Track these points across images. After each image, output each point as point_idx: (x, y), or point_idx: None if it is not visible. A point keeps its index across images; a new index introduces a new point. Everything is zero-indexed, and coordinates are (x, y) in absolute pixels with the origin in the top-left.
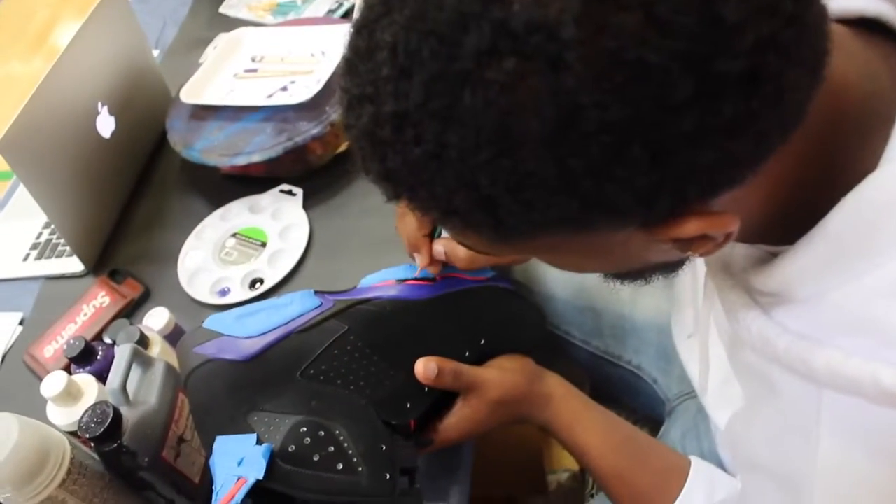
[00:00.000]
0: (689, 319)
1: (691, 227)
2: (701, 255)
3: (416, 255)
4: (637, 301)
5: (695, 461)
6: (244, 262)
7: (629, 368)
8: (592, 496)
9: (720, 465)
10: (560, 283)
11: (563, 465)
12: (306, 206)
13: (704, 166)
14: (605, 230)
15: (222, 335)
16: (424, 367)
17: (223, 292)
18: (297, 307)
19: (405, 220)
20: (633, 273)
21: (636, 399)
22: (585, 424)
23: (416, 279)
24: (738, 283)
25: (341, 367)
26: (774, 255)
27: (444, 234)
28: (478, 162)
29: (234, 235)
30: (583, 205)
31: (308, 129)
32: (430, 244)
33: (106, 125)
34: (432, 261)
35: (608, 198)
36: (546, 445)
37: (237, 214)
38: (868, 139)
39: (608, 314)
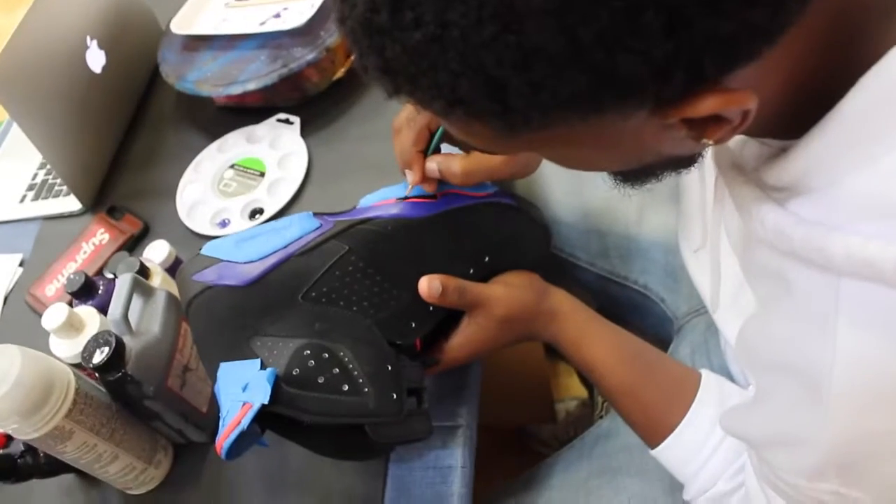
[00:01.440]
0: (696, 232)
1: (707, 105)
2: (716, 142)
3: (408, 172)
4: (643, 220)
5: (705, 373)
6: (243, 193)
7: (636, 289)
8: (601, 417)
9: (730, 378)
10: (564, 206)
11: (571, 393)
12: (304, 134)
13: (721, 37)
14: (617, 115)
15: (221, 261)
16: (428, 285)
17: (223, 224)
18: (296, 230)
19: (400, 136)
20: (644, 170)
21: (644, 319)
22: (593, 339)
23: (416, 197)
24: (751, 180)
25: (343, 288)
26: (786, 151)
27: (442, 149)
28: (482, 40)
29: (232, 167)
30: (594, 81)
31: (303, 56)
32: (422, 160)
33: (96, 60)
34: (425, 178)
35: (621, 72)
36: (553, 374)
37: (234, 145)
38: (891, 21)
39: (613, 235)
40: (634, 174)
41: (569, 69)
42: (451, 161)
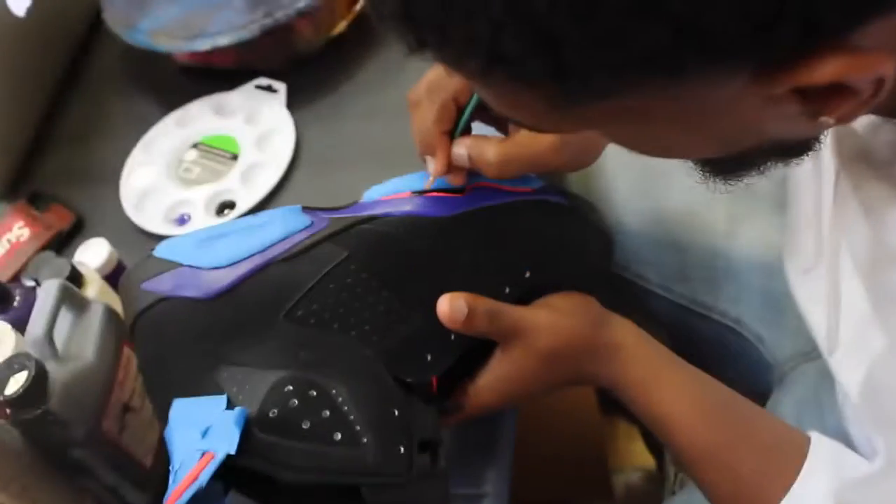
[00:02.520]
0: (808, 247)
1: (827, 70)
2: (838, 121)
3: (429, 159)
4: (736, 231)
5: (815, 436)
6: (209, 181)
7: (725, 323)
8: (674, 492)
9: (849, 444)
10: (631, 209)
11: (634, 462)
12: (291, 106)
13: None
14: (705, 82)
15: (180, 265)
16: (450, 306)
17: (182, 220)
18: (279, 228)
19: (419, 112)
20: (741, 159)
21: (734, 364)
22: (666, 385)
23: (438, 191)
24: (884, 176)
25: (339, 306)
26: None
27: (473, 130)
28: None
29: (195, 146)
30: (676, 36)
31: (292, 3)
32: (448, 143)
33: (19, 0)
34: (450, 166)
35: (710, 23)
36: (611, 435)
37: (199, 118)
38: None
39: (696, 250)
40: (728, 164)
41: (643, 19)
42: (484, 145)
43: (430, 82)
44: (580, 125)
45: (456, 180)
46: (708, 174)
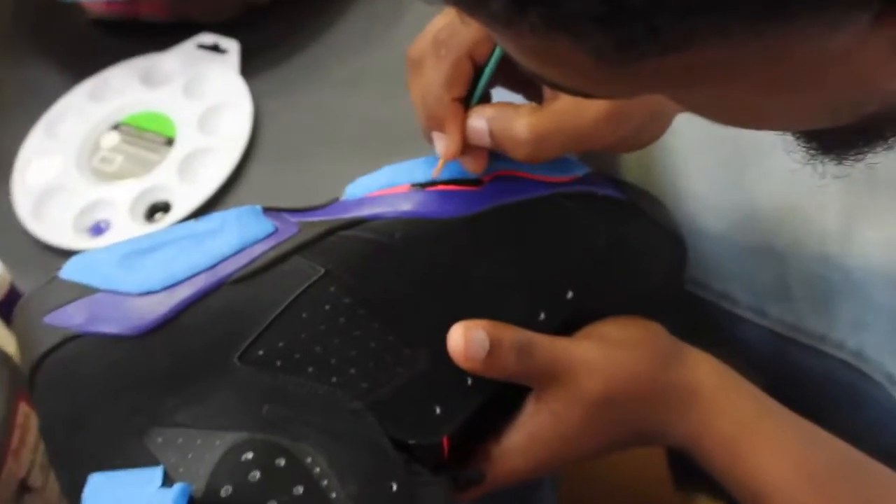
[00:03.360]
0: None
1: None
2: None
3: (437, 136)
4: (852, 233)
5: None
6: (135, 175)
7: (841, 357)
8: None
9: None
10: (711, 203)
11: None
12: (246, 71)
13: None
14: (815, 23)
15: (96, 291)
16: (466, 340)
17: (98, 229)
18: (232, 237)
19: (422, 74)
20: (859, 129)
21: (855, 412)
22: (763, 442)
23: (447, 182)
24: None
25: (314, 342)
26: None
27: (492, 98)
28: None
29: (115, 127)
30: None
31: None
32: (462, 115)
33: None
34: (467, 146)
35: None
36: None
37: (121, 90)
38: None
39: (800, 258)
40: (842, 136)
41: None
42: (512, 116)
43: (436, 34)
44: (641, 86)
45: (474, 165)
46: (815, 152)
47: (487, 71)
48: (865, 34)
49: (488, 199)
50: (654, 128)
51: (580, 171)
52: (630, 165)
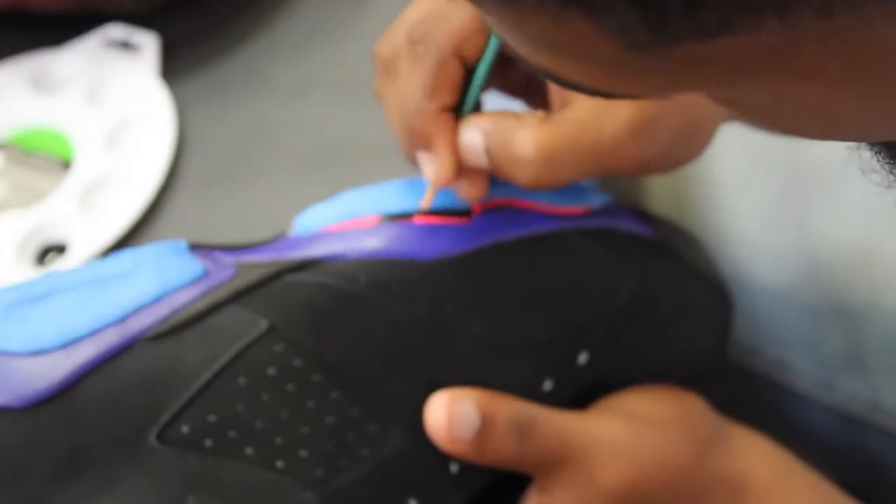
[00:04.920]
0: None
1: None
2: None
3: (424, 157)
4: None
5: None
6: (22, 205)
7: None
8: None
9: None
10: (763, 243)
11: None
12: (168, 73)
13: None
14: None
15: None
16: (450, 414)
17: None
18: (148, 280)
19: (397, 78)
20: None
21: None
22: None
23: (430, 213)
24: None
25: (255, 417)
26: None
27: (483, 107)
28: None
29: None
30: None
31: None
32: (454, 128)
33: None
34: (460, 167)
35: None
36: None
37: (3, 98)
38: None
39: (878, 317)
40: None
41: None
42: (513, 128)
43: (412, 27)
44: (677, 82)
45: (473, 190)
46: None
47: (481, 71)
48: None
49: (480, 236)
50: (691, 144)
51: (597, 202)
52: (660, 197)
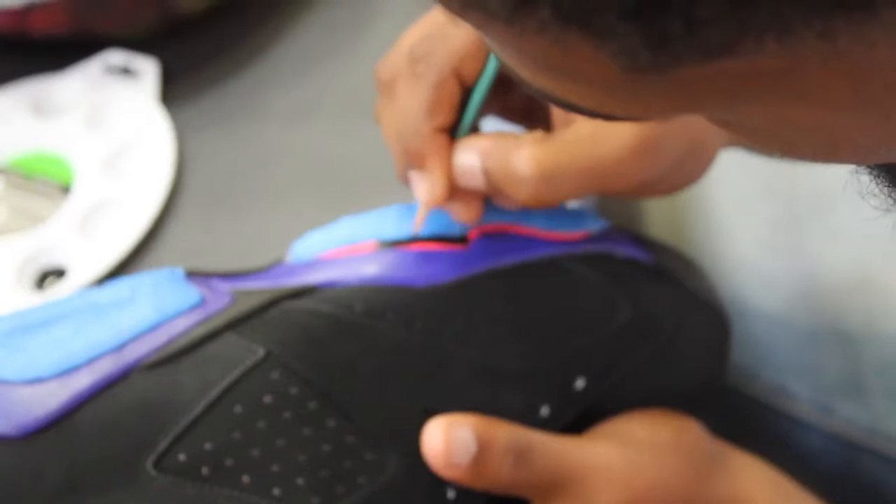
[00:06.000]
0: None
1: None
2: None
3: (416, 176)
4: None
5: None
6: (20, 229)
7: None
8: None
9: None
10: (763, 267)
11: None
12: (168, 99)
13: None
14: None
15: None
16: (447, 440)
17: None
18: (145, 308)
19: (396, 98)
20: None
21: None
22: None
23: (426, 240)
24: None
25: (251, 444)
26: None
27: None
28: None
29: None
30: None
31: None
32: (449, 149)
33: None
34: (456, 189)
35: None
36: None
37: (3, 122)
38: None
39: (876, 342)
40: None
41: None
42: (511, 148)
43: (412, 48)
44: (679, 104)
45: (467, 213)
46: (892, 193)
47: (479, 92)
48: None
49: (476, 262)
50: (693, 168)
51: (594, 227)
52: (658, 221)
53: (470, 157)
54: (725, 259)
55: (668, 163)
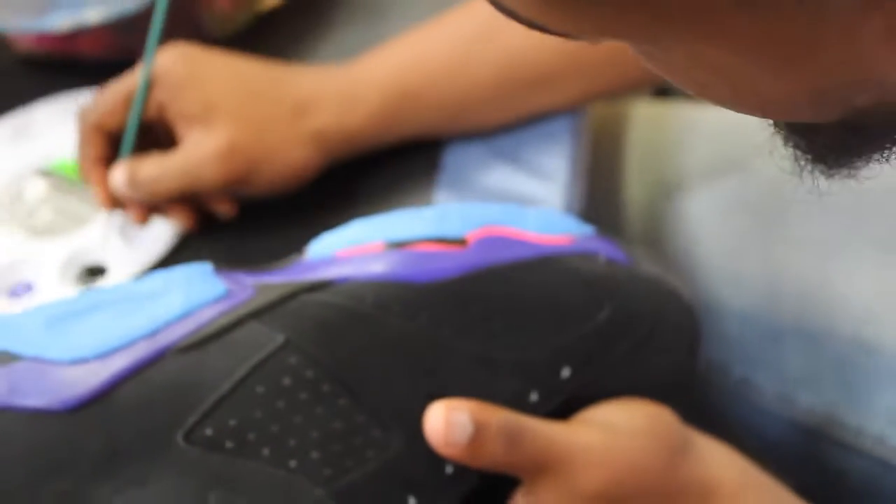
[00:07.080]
0: None
1: None
2: None
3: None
4: (889, 315)
5: None
6: (65, 231)
7: (880, 456)
8: None
9: None
10: (726, 269)
11: None
12: None
13: None
14: None
15: (17, 358)
16: (447, 422)
17: (20, 290)
18: (177, 298)
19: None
20: (853, 126)
21: None
22: None
23: (430, 240)
24: None
25: (271, 421)
26: None
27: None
28: None
29: (43, 174)
30: None
31: None
32: (102, 170)
33: None
34: (113, 199)
35: None
36: None
37: (49, 129)
38: None
39: (832, 339)
40: (831, 134)
41: None
42: (141, 163)
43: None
44: (605, 26)
45: (135, 216)
46: (801, 153)
47: (130, 128)
48: (861, 12)
49: (473, 261)
50: (273, 170)
51: (581, 231)
52: (636, 228)
53: (118, 176)
54: (699, 264)
55: (245, 167)
